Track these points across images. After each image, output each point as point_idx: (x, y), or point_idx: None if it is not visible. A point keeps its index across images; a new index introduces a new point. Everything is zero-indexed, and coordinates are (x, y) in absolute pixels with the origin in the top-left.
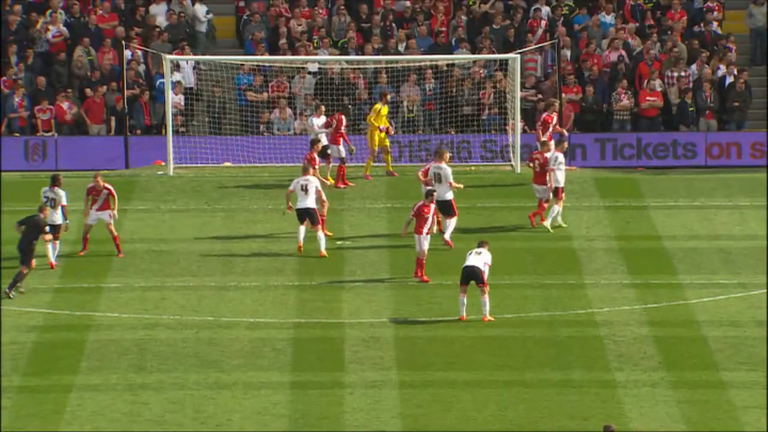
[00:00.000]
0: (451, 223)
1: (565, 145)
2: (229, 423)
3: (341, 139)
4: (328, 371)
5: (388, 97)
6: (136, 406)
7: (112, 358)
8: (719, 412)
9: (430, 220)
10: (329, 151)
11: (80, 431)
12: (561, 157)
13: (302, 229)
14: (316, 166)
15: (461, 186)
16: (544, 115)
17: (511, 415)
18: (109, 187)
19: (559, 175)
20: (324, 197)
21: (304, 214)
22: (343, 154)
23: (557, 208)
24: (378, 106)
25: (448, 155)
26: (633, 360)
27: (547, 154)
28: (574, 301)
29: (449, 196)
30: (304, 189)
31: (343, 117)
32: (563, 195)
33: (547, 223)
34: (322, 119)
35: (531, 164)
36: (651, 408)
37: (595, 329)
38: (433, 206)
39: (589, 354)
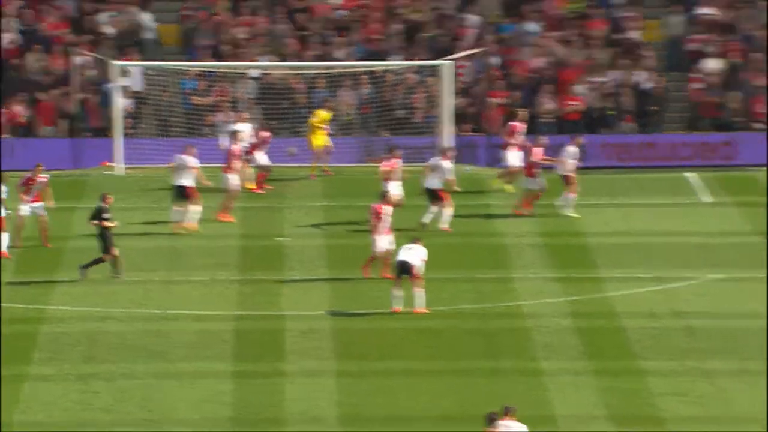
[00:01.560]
0: (445, 210)
1: (580, 141)
2: (175, 411)
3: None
4: (270, 361)
5: (331, 104)
6: (87, 395)
7: (64, 350)
8: (638, 399)
9: (386, 220)
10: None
11: (33, 419)
12: (575, 151)
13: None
14: (239, 161)
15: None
16: (510, 123)
17: (443, 402)
18: (45, 178)
19: (570, 166)
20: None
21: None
22: (266, 161)
23: (572, 196)
24: (321, 112)
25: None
26: (558, 349)
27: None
28: (504, 294)
29: (439, 186)
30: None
31: (269, 134)
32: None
33: (570, 212)
34: (247, 125)
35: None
36: (574, 395)
37: (522, 321)
38: (387, 207)
39: (517, 344)
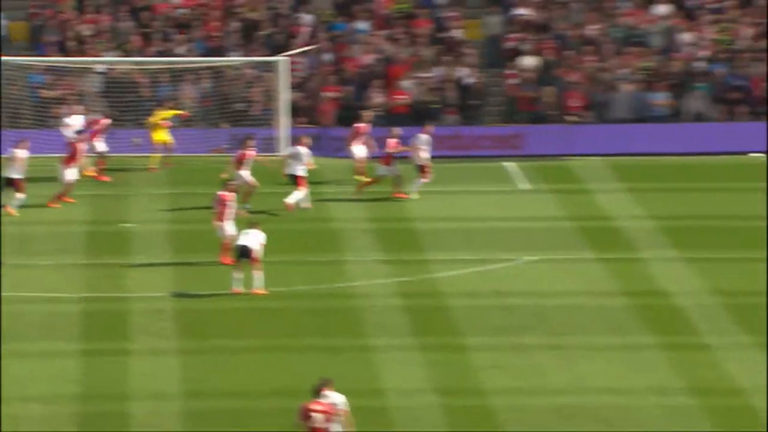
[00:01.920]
0: (299, 193)
1: (431, 128)
2: (26, 388)
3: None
4: (116, 341)
5: (170, 104)
6: None
7: None
8: (460, 372)
9: (231, 207)
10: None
11: None
12: (427, 138)
13: None
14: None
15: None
16: (355, 125)
17: (280, 377)
18: None
19: (423, 154)
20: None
21: None
22: (104, 148)
23: (424, 180)
24: (162, 110)
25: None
26: (387, 327)
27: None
28: (336, 276)
29: (300, 172)
30: None
31: (106, 121)
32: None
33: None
34: (79, 118)
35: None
36: (402, 369)
37: (354, 301)
38: (231, 194)
39: (349, 323)
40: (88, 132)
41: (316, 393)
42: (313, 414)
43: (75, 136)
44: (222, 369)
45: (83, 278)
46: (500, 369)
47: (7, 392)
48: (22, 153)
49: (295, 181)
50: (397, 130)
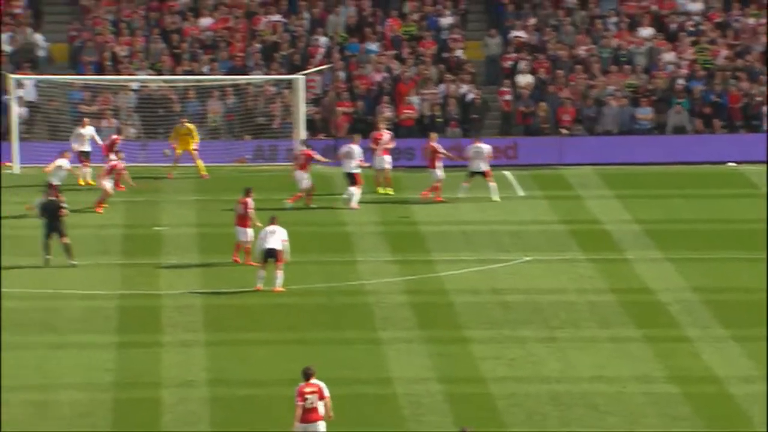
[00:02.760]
0: (356, 191)
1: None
2: (65, 376)
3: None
4: (148, 334)
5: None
6: None
7: None
8: (462, 362)
9: (251, 212)
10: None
11: None
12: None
13: None
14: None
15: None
16: (374, 132)
17: (296, 367)
18: None
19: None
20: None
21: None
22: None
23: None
24: (188, 124)
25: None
26: (394, 322)
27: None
28: (348, 274)
29: (356, 170)
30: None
31: (119, 136)
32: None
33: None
34: (89, 129)
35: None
36: (408, 360)
37: (364, 297)
38: (249, 200)
39: (359, 317)
40: (105, 143)
41: (307, 377)
42: (308, 395)
43: (80, 147)
44: (244, 359)
45: (119, 277)
46: (499, 359)
47: (47, 380)
48: (65, 162)
49: (352, 179)
50: (434, 135)
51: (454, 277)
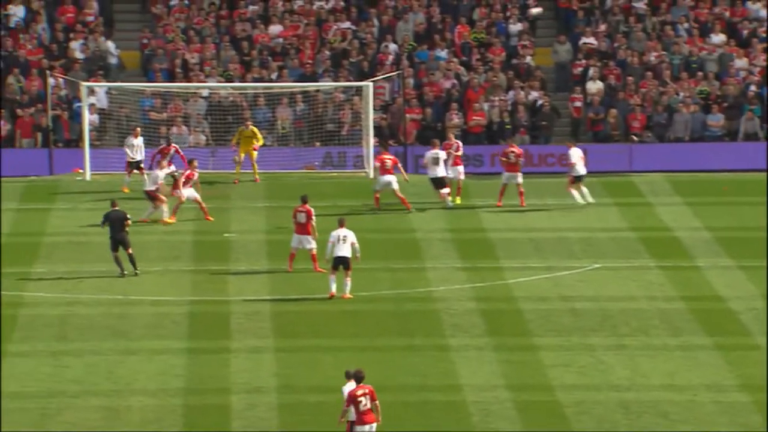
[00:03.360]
0: (447, 191)
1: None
2: (135, 382)
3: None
4: (217, 339)
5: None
6: (59, 369)
7: (38, 330)
8: (531, 369)
9: (304, 219)
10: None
11: (12, 390)
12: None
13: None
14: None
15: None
16: (445, 142)
17: (366, 373)
18: None
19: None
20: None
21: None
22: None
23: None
24: (253, 127)
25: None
26: (463, 328)
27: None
28: (417, 281)
29: (441, 173)
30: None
31: (171, 147)
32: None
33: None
34: (140, 139)
35: (505, 158)
36: (477, 367)
37: (433, 304)
38: (303, 207)
39: (428, 324)
40: (155, 154)
41: (358, 380)
42: (360, 397)
43: (132, 156)
44: (312, 366)
45: (189, 283)
46: (568, 367)
47: (117, 386)
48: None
49: (441, 183)
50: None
51: (522, 284)
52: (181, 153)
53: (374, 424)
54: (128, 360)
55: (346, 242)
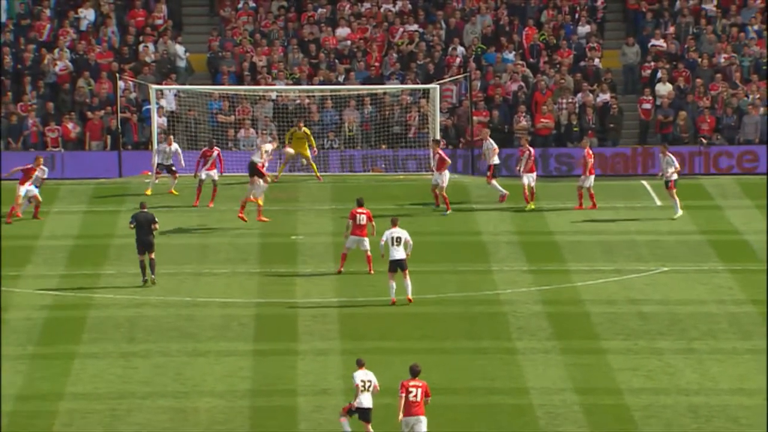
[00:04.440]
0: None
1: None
2: (203, 383)
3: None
4: (284, 341)
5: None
6: (128, 370)
7: (108, 332)
8: (599, 373)
9: (365, 221)
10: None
11: (82, 391)
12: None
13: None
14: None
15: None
16: (519, 148)
17: (432, 376)
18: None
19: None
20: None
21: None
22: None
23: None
24: (306, 130)
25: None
26: (530, 331)
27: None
28: (483, 284)
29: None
30: None
31: (213, 150)
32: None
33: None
34: (174, 146)
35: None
36: (544, 370)
37: (500, 306)
38: (363, 209)
39: (495, 327)
40: (199, 159)
41: (414, 374)
42: (411, 388)
43: (162, 161)
44: (379, 367)
45: (256, 285)
46: (636, 371)
47: (185, 387)
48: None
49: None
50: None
51: (590, 287)
52: (221, 157)
53: (422, 417)
54: (196, 362)
55: (400, 244)
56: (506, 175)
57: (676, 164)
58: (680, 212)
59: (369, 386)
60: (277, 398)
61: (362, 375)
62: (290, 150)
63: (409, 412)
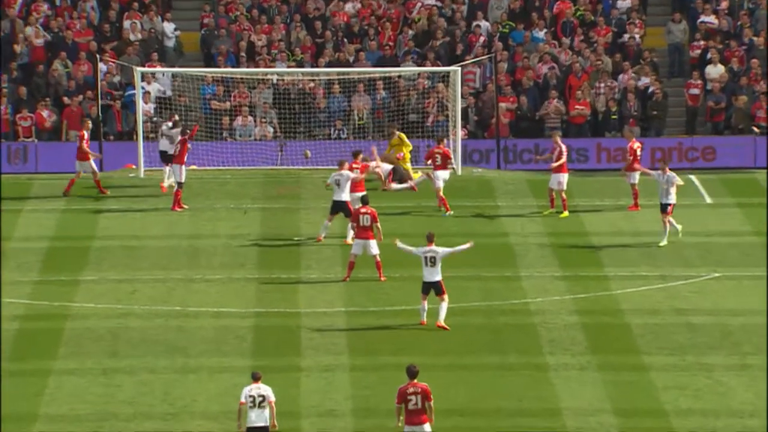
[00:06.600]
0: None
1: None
2: (194, 404)
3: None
4: (286, 357)
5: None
6: (110, 389)
7: (87, 345)
8: (641, 392)
9: (369, 222)
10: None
11: (57, 412)
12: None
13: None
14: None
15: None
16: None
17: (453, 395)
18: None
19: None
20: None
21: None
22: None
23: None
24: (401, 135)
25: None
26: (563, 345)
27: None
28: (510, 291)
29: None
30: (338, 183)
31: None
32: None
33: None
34: (177, 130)
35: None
36: (579, 389)
37: (528, 317)
38: (366, 209)
39: (523, 340)
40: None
41: (412, 375)
42: (410, 395)
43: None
44: (393, 386)
45: (254, 293)
46: (683, 390)
47: (174, 408)
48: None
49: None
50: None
51: (631, 295)
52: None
53: (425, 425)
54: (186, 379)
55: (435, 265)
56: (533, 168)
57: (679, 181)
58: (665, 242)
59: (261, 402)
60: (278, 420)
61: (253, 390)
62: (386, 165)
63: (411, 421)
